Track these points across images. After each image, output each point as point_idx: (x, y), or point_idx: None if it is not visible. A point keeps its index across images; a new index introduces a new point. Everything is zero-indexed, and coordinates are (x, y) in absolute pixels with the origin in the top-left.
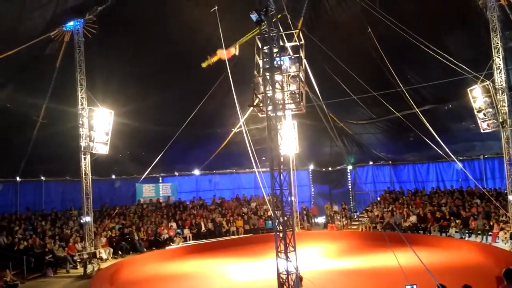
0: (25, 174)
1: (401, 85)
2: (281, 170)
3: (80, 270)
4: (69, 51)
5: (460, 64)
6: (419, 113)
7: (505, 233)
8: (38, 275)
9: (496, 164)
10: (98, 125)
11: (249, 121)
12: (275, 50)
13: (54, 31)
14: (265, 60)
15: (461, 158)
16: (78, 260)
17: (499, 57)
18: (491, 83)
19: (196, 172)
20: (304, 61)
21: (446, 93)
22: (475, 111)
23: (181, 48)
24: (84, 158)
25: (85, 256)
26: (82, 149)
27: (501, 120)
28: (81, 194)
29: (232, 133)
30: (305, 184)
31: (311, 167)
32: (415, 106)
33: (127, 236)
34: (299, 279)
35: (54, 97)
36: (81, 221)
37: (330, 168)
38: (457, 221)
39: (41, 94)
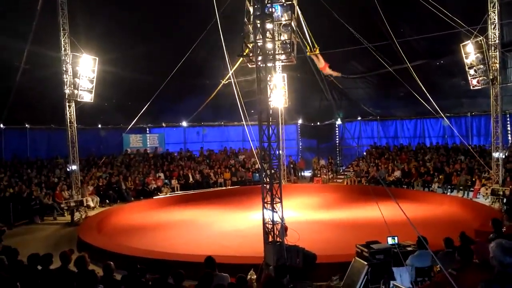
0: (9, 121)
1: (394, 38)
2: (270, 123)
3: (67, 218)
4: None
5: (454, 18)
6: (411, 68)
7: (487, 189)
8: (25, 221)
9: (482, 122)
10: (82, 72)
11: (239, 73)
12: None
13: None
14: (256, 6)
15: (448, 114)
16: (65, 208)
17: (494, 12)
18: (484, 39)
19: (184, 124)
20: (297, 9)
21: (439, 48)
22: (466, 67)
23: None
24: (69, 106)
25: (72, 204)
26: (66, 97)
27: (491, 77)
28: (67, 143)
29: (221, 85)
30: (293, 138)
31: (300, 121)
32: (407, 61)
33: (115, 185)
34: (284, 228)
35: (37, 41)
36: (67, 169)
37: (318, 123)
38: (440, 177)
39: (23, 39)
